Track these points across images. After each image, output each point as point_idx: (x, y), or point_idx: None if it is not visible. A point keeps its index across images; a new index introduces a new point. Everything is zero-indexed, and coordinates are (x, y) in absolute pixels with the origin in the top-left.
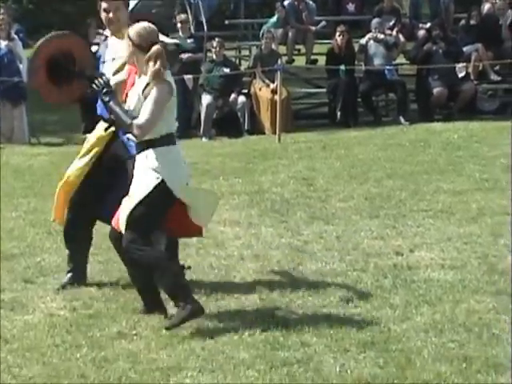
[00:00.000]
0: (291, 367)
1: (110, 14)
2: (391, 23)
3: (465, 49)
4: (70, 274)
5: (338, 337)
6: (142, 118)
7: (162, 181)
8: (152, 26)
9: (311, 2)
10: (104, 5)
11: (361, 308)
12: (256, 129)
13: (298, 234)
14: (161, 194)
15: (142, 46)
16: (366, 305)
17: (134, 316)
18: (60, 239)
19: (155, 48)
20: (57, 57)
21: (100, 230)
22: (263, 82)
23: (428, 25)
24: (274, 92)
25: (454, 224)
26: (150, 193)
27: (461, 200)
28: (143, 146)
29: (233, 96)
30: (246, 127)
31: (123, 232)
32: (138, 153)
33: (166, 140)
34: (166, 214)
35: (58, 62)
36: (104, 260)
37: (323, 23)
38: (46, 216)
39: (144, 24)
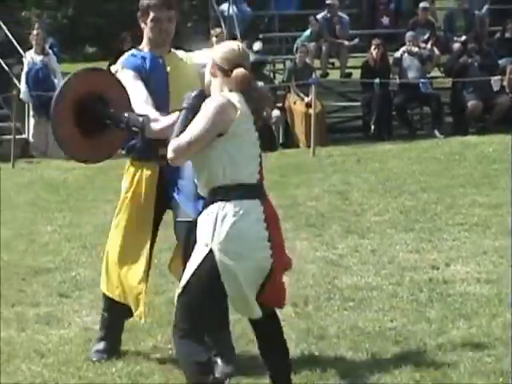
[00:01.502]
0: (327, 382)
1: (164, 25)
2: (426, 36)
3: (500, 62)
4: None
5: (374, 351)
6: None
7: (211, 250)
8: (242, 45)
9: (345, 16)
10: (157, 14)
11: (396, 322)
12: (290, 142)
13: (332, 248)
14: (210, 270)
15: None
16: (402, 319)
17: (168, 330)
18: (95, 253)
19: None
20: (85, 100)
21: None
22: (297, 95)
23: (463, 38)
24: (308, 106)
25: (489, 238)
26: (198, 266)
27: (496, 213)
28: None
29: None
30: (280, 141)
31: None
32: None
33: (232, 193)
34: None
35: (87, 107)
36: None
37: (356, 40)
38: (80, 230)
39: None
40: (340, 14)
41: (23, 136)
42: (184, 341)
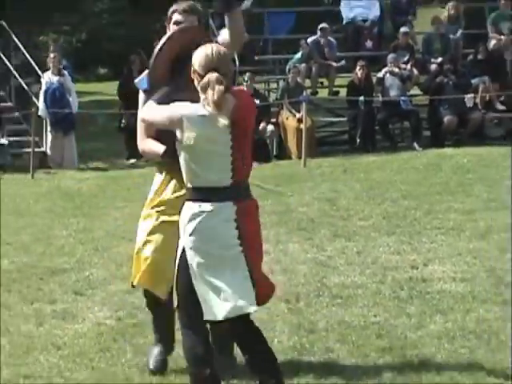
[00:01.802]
0: (316, 371)
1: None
2: (406, 58)
3: (473, 81)
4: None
5: (359, 343)
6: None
7: (183, 249)
8: (217, 49)
9: (332, 39)
10: (178, 17)
11: (379, 317)
12: (283, 154)
13: (322, 250)
14: (185, 267)
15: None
16: (385, 314)
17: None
18: (106, 255)
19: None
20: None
21: None
22: (290, 112)
23: (439, 59)
24: (299, 121)
25: (464, 240)
26: (177, 265)
27: (470, 218)
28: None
29: (262, 125)
30: (274, 153)
31: None
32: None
33: (201, 194)
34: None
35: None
36: None
37: (343, 62)
38: (93, 234)
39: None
40: (329, 37)
41: (41, 149)
42: (185, 333)
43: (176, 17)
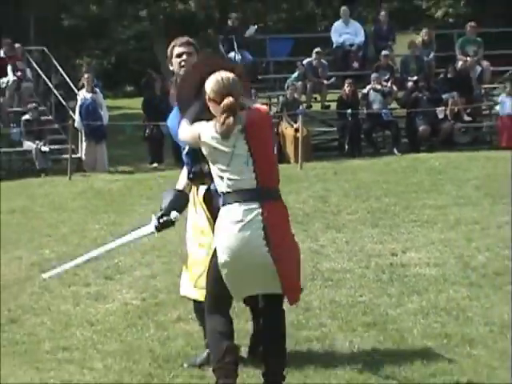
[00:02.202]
0: (311, 343)
1: (183, 58)
2: (386, 77)
3: (443, 96)
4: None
5: (348, 319)
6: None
7: (215, 249)
8: (227, 75)
9: (324, 61)
10: (179, 49)
11: (365, 297)
12: (283, 159)
13: (315, 240)
14: (215, 266)
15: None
16: (369, 294)
17: (189, 304)
18: (132, 245)
19: (226, 102)
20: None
21: (165, 237)
22: (288, 123)
23: (415, 78)
24: (296, 131)
25: (436, 231)
26: (210, 261)
27: (442, 213)
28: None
29: None
30: None
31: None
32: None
33: (231, 197)
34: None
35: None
36: (167, 261)
37: (333, 80)
38: (121, 227)
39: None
40: (321, 60)
41: (77, 155)
42: (209, 318)
43: (177, 50)
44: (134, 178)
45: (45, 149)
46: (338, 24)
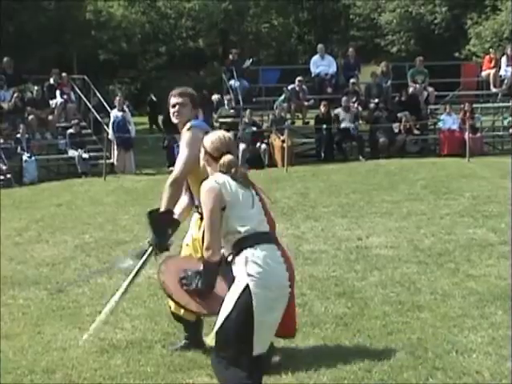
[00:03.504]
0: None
1: (175, 108)
2: (354, 99)
3: (398, 115)
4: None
5: (323, 290)
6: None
7: (247, 285)
8: (227, 135)
9: (305, 87)
10: (173, 100)
11: (336, 272)
12: (272, 164)
13: (297, 228)
14: (246, 302)
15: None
16: (340, 270)
17: None
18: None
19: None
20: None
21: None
22: (276, 135)
23: (376, 100)
24: (283, 141)
25: (392, 221)
26: (237, 299)
27: (396, 206)
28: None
29: (258, 144)
30: (265, 163)
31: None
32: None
33: (252, 240)
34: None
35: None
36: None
37: (312, 102)
38: (145, 218)
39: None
40: (302, 86)
41: (111, 161)
42: (226, 367)
43: (172, 100)
44: (155, 179)
45: (85, 156)
46: (315, 58)
